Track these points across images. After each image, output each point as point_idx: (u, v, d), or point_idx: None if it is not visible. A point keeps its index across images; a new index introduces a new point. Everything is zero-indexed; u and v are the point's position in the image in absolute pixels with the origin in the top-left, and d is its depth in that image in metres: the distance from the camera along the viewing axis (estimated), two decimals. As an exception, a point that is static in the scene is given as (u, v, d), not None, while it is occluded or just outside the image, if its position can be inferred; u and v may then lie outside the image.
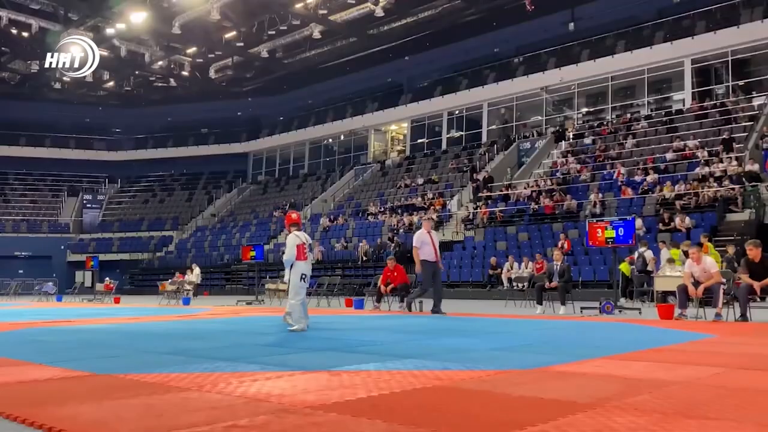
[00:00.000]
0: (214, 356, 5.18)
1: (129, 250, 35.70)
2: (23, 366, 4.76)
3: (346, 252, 24.95)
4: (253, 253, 18.47)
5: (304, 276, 7.73)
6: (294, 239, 7.77)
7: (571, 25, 30.22)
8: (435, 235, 11.73)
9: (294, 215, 8.26)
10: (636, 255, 14.67)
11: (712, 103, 24.58)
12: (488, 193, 25.06)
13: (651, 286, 14.61)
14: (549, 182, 23.52)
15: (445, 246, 23.05)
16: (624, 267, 14.95)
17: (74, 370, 4.42)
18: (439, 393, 3.53)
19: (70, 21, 31.48)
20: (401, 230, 24.76)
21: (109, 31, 31.62)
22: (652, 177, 20.45)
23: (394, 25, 31.32)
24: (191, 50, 35.49)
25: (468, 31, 31.36)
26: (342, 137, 37.86)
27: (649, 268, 14.40)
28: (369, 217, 27.60)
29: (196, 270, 21.26)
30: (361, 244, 24.26)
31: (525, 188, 24.24)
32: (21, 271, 32.12)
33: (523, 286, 15.37)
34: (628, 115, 26.91)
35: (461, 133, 32.77)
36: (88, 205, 39.94)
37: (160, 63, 36.86)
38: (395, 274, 13.55)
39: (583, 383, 3.80)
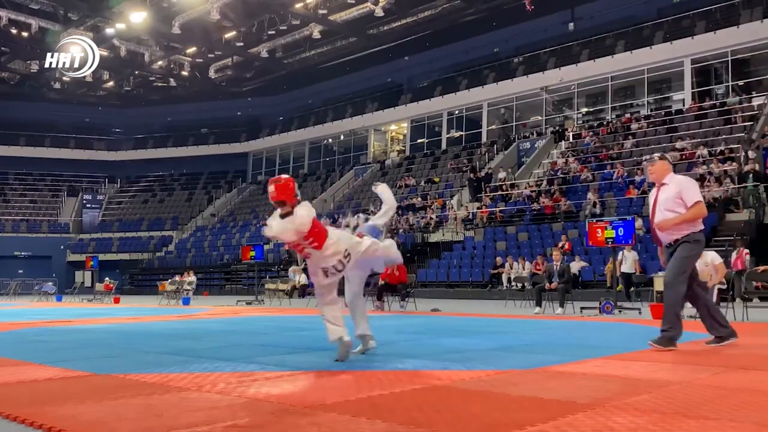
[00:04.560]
0: (214, 356, 5.18)
1: (129, 250, 35.71)
2: (23, 366, 4.76)
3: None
4: (252, 253, 18.46)
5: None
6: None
7: (571, 25, 30.23)
8: None
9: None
10: (620, 256, 14.45)
11: (711, 103, 24.59)
12: (489, 194, 25.06)
13: (634, 287, 14.63)
14: (548, 182, 23.53)
15: (445, 246, 23.11)
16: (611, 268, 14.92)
17: (74, 370, 4.42)
18: (439, 393, 3.53)
19: (70, 21, 31.46)
20: (401, 230, 24.77)
21: (109, 31, 31.61)
22: (651, 177, 20.44)
23: (394, 25, 31.32)
24: (191, 50, 35.48)
25: (468, 31, 31.37)
26: (342, 137, 37.86)
27: (629, 270, 14.32)
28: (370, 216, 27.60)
29: (191, 278, 21.09)
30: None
31: (525, 188, 24.26)
32: (21, 271, 32.11)
33: (523, 286, 15.38)
34: (628, 115, 26.93)
35: (461, 133, 32.77)
36: (87, 205, 39.94)
37: (159, 63, 36.86)
38: (396, 272, 13.50)
39: (583, 383, 3.80)
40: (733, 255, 14.28)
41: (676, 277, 5.30)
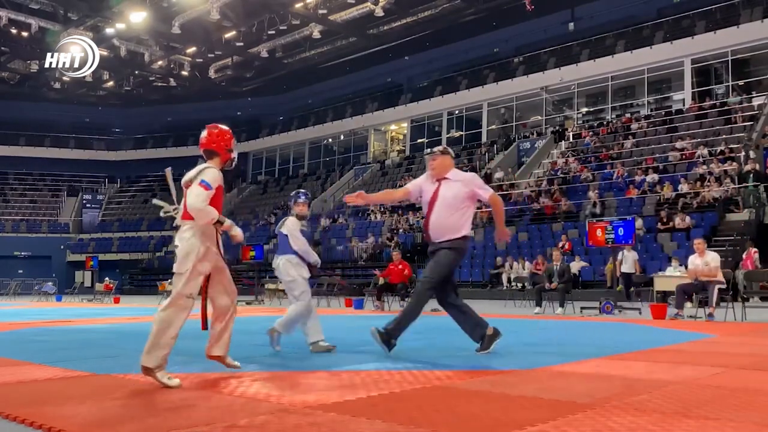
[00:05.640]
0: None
1: (129, 250, 35.70)
2: (23, 366, 4.76)
3: (346, 252, 24.95)
4: (252, 253, 18.46)
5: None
6: None
7: (571, 25, 30.24)
8: None
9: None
10: (620, 256, 14.33)
11: (711, 103, 24.59)
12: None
13: (634, 287, 14.62)
14: (548, 182, 23.52)
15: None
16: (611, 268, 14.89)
17: (74, 370, 4.41)
18: (439, 393, 3.53)
19: (70, 21, 31.46)
20: (401, 230, 24.77)
21: (109, 30, 31.60)
22: (651, 177, 20.47)
23: (394, 25, 31.31)
24: (191, 50, 35.46)
25: (468, 31, 31.37)
26: (342, 137, 37.87)
27: (629, 270, 14.29)
28: (370, 216, 27.61)
29: None
30: (360, 244, 24.27)
31: (525, 188, 24.25)
32: (21, 271, 32.11)
33: (523, 286, 15.38)
34: (628, 115, 26.93)
35: (461, 132, 32.78)
36: (87, 205, 39.93)
37: (159, 63, 36.83)
38: (400, 267, 13.46)
39: (583, 383, 3.80)
40: (743, 256, 14.28)
41: (430, 287, 4.99)
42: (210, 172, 3.84)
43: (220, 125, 4.13)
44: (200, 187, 3.75)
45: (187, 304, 3.82)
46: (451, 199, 4.92)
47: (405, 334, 7.02)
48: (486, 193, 5.02)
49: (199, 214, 3.79)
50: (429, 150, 5.24)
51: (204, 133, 4.06)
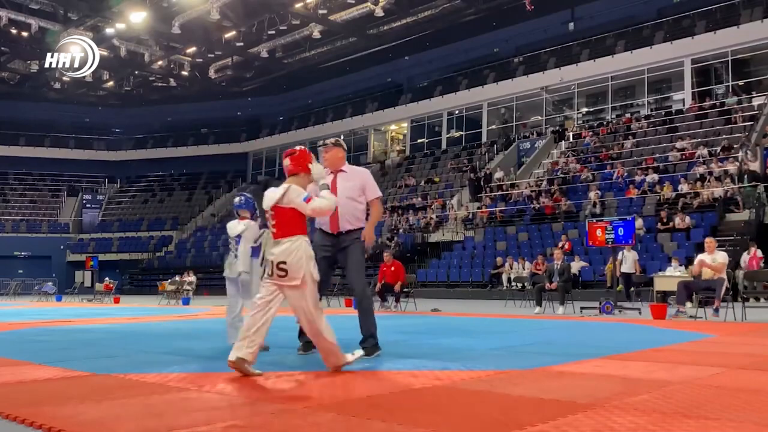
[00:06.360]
0: (214, 356, 5.17)
1: (129, 250, 35.70)
2: (23, 366, 4.76)
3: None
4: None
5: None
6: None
7: (571, 25, 30.25)
8: None
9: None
10: (620, 256, 14.23)
11: (711, 103, 24.59)
12: (489, 194, 25.06)
13: (634, 287, 14.60)
14: (548, 182, 23.52)
15: (445, 246, 23.11)
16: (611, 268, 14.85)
17: (74, 370, 4.41)
18: (439, 393, 3.53)
19: (70, 21, 31.46)
20: (401, 230, 24.76)
21: (109, 30, 31.59)
22: (651, 177, 20.47)
23: (394, 25, 31.31)
24: (191, 50, 35.46)
25: (468, 31, 31.37)
26: (342, 137, 37.68)
27: (629, 270, 14.24)
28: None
29: (191, 278, 21.03)
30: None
31: (525, 188, 24.26)
32: (21, 271, 32.10)
33: (523, 286, 15.38)
34: (628, 115, 26.93)
35: (461, 133, 32.78)
36: (87, 205, 39.91)
37: (159, 63, 36.83)
38: (392, 269, 13.46)
39: (583, 383, 3.80)
40: (745, 255, 14.21)
41: (365, 283, 5.14)
42: (294, 188, 4.18)
43: (298, 148, 4.37)
44: (305, 201, 4.12)
45: (319, 306, 4.17)
46: (349, 190, 5.04)
47: (405, 334, 7.01)
48: (372, 194, 5.13)
49: (329, 206, 4.20)
50: (322, 141, 5.28)
51: (286, 161, 4.32)
